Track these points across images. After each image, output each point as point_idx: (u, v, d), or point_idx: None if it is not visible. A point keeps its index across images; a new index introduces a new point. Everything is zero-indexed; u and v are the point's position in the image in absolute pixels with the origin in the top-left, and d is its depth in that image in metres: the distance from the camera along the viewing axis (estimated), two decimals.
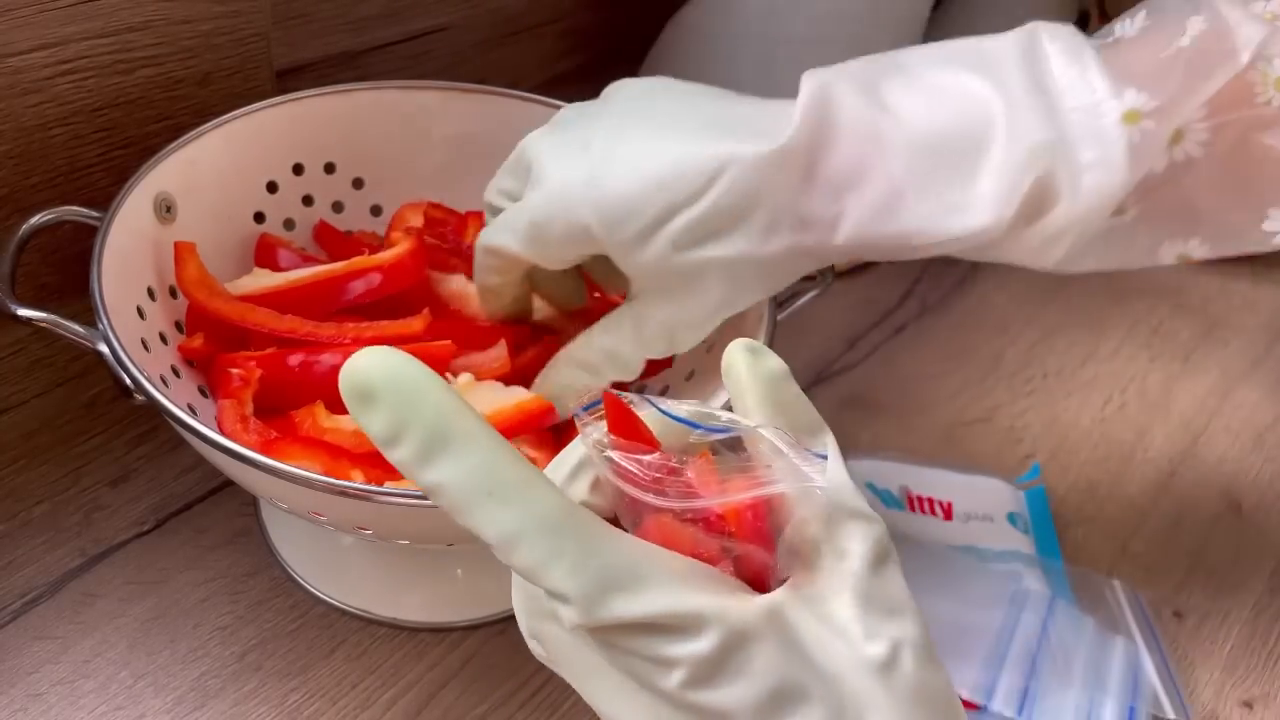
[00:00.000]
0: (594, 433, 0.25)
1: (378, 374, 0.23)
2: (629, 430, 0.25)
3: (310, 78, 0.60)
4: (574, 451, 0.27)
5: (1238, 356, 0.71)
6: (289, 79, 0.59)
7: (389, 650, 0.46)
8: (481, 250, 0.44)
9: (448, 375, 0.45)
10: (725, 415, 0.26)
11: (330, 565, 0.48)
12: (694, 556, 0.24)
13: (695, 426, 0.26)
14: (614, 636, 0.23)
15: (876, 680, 0.23)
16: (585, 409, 0.25)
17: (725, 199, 0.38)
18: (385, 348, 0.23)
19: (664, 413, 0.26)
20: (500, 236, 0.43)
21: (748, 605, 0.24)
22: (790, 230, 0.39)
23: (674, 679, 0.23)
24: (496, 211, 0.45)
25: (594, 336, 0.44)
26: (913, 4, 0.69)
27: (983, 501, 0.56)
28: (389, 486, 0.40)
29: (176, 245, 0.46)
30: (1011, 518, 0.56)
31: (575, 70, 0.78)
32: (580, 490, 0.26)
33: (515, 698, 0.45)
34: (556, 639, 0.25)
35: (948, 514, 0.56)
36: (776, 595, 0.24)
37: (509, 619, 0.48)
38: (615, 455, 0.24)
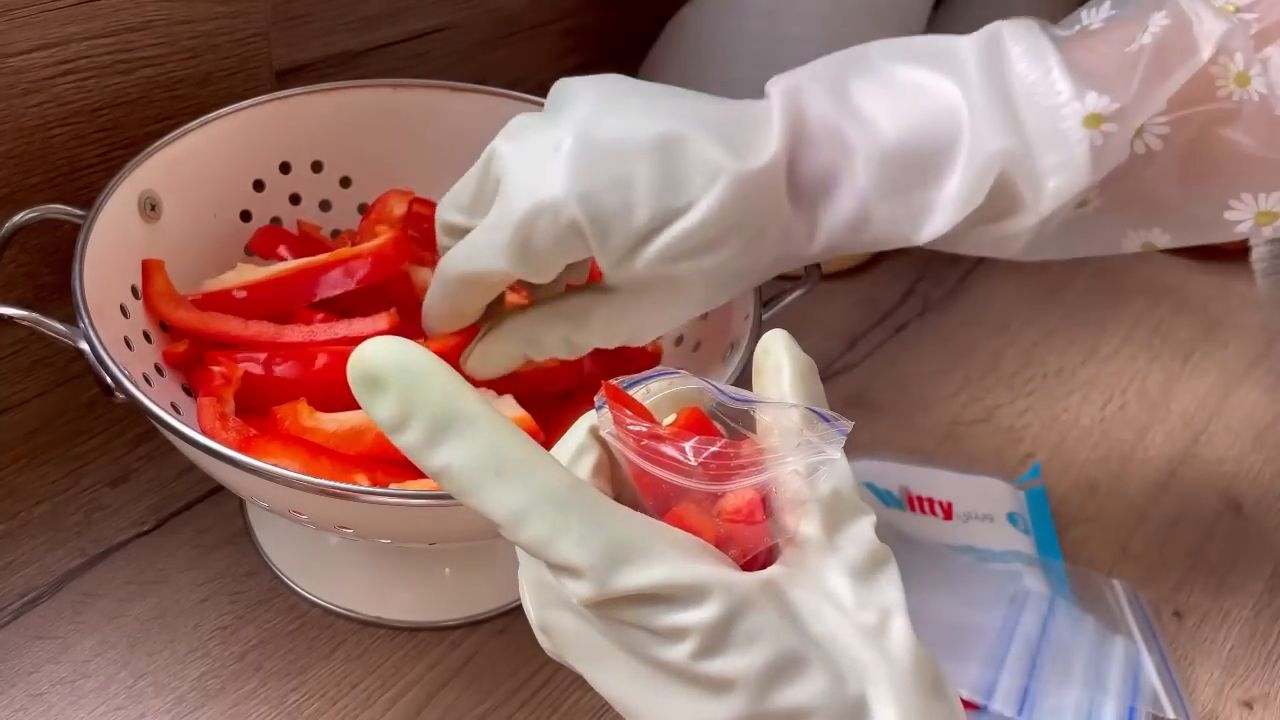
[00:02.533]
0: (606, 419, 0.26)
1: (385, 361, 0.24)
2: (641, 416, 0.26)
3: (310, 78, 0.60)
4: (575, 436, 0.27)
5: (1238, 356, 0.71)
6: (289, 79, 0.59)
7: (389, 650, 0.46)
8: (456, 279, 0.41)
9: None
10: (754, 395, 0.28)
11: (317, 565, 0.48)
12: (699, 536, 0.25)
13: (738, 400, 0.27)
14: (622, 610, 0.24)
15: (872, 648, 0.24)
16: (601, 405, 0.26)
17: (715, 213, 0.37)
18: (392, 337, 0.24)
19: (720, 390, 0.27)
20: (481, 259, 0.40)
21: (746, 576, 0.24)
22: (774, 241, 0.39)
23: (683, 649, 0.23)
24: (455, 231, 0.42)
25: (553, 320, 0.42)
26: (913, 4, 0.69)
27: (983, 501, 0.56)
28: (366, 485, 0.40)
29: (144, 263, 0.46)
30: (1011, 518, 0.56)
31: (575, 70, 0.78)
32: (583, 473, 0.26)
33: (515, 698, 0.45)
34: (565, 627, 0.26)
35: (948, 514, 0.56)
36: (771, 570, 0.25)
37: (506, 618, 0.48)
38: (647, 441, 0.25)
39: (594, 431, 0.27)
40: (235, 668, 0.45)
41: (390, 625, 0.47)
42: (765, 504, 0.26)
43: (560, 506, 0.23)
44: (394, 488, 0.40)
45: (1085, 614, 0.50)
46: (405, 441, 0.24)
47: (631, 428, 0.25)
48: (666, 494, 0.25)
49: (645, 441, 0.25)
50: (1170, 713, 0.47)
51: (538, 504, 0.23)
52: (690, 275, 0.39)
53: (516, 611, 0.48)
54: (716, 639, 0.23)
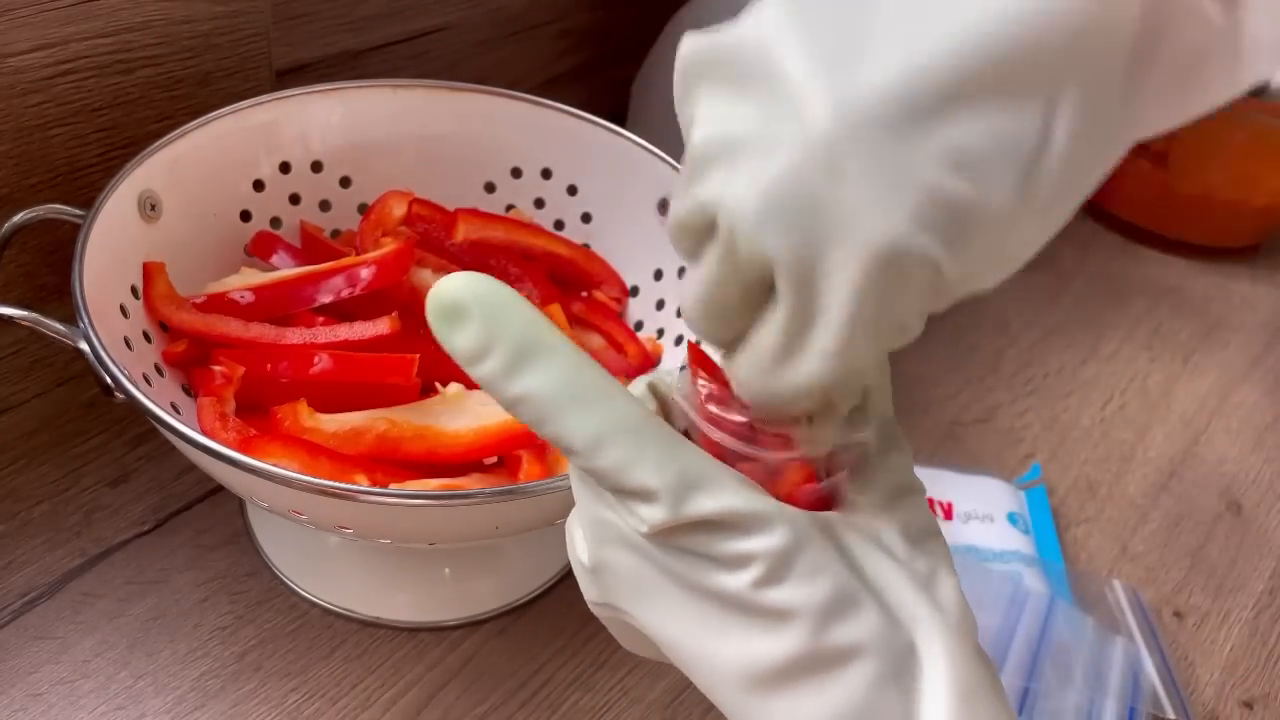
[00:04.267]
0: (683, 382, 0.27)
1: (468, 292, 0.24)
2: (717, 379, 0.27)
3: (310, 78, 0.60)
4: (634, 389, 0.28)
5: (1238, 356, 0.71)
6: (289, 79, 0.58)
7: (389, 650, 0.46)
8: (796, 389, 0.25)
9: (436, 385, 0.45)
10: None
11: (317, 565, 0.48)
12: None
13: None
14: (689, 537, 0.24)
15: (923, 598, 0.25)
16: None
17: None
18: (473, 273, 0.25)
19: None
20: (823, 359, 0.24)
21: (807, 514, 0.25)
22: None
23: (746, 577, 0.24)
24: (696, 250, 0.25)
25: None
26: None
27: (983, 501, 0.56)
28: (366, 485, 0.40)
29: (145, 265, 0.46)
30: (1011, 518, 0.56)
31: (575, 70, 0.78)
32: None
33: (515, 698, 0.45)
34: (621, 563, 0.26)
35: (948, 514, 0.56)
36: (829, 514, 0.26)
37: (506, 618, 0.48)
38: (712, 407, 0.26)
39: (652, 387, 0.28)
40: (235, 668, 0.45)
41: (390, 625, 0.47)
42: (823, 469, 0.27)
43: (637, 434, 0.24)
44: (394, 488, 0.40)
45: (1085, 614, 0.50)
46: (485, 371, 0.24)
47: (702, 388, 0.26)
48: (726, 458, 0.26)
49: (712, 406, 0.26)
50: (1170, 713, 0.47)
51: (615, 430, 0.24)
52: None
53: (517, 611, 0.48)
54: (780, 568, 0.24)
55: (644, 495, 0.24)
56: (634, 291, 0.55)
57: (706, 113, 0.23)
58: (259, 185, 0.52)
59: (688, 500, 0.24)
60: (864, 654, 0.24)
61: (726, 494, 0.24)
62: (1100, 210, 0.84)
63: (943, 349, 0.67)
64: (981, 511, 0.56)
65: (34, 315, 0.40)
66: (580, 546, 0.27)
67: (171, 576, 0.47)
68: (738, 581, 0.24)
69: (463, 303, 0.24)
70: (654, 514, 0.24)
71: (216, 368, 0.44)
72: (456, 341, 0.24)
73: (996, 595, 0.50)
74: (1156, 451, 0.63)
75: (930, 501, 0.56)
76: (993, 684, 0.25)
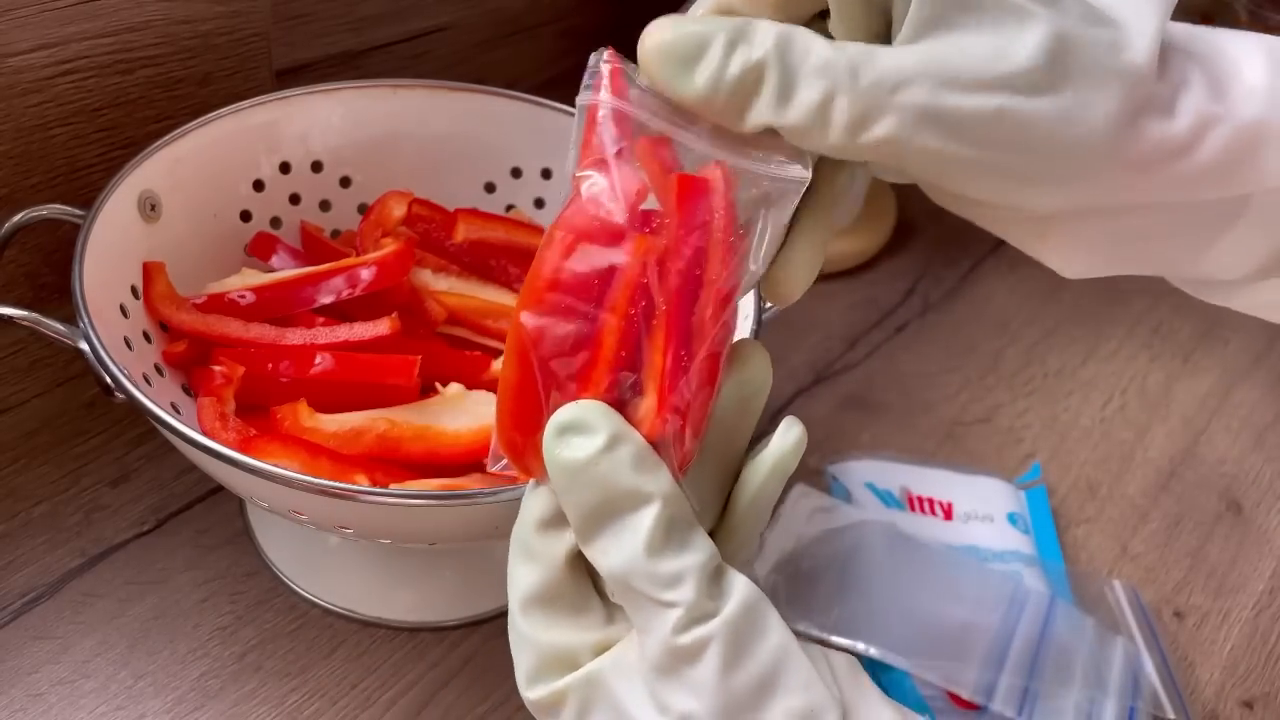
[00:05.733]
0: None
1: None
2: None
3: (310, 78, 0.60)
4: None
5: (1238, 355, 0.71)
6: (289, 79, 0.59)
7: (389, 650, 0.46)
8: None
9: (436, 385, 0.45)
10: None
11: (317, 565, 0.48)
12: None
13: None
14: None
15: None
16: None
17: None
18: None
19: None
20: None
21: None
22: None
23: None
24: None
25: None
26: None
27: (983, 501, 0.56)
28: (366, 485, 0.40)
29: (145, 265, 0.46)
30: (1011, 518, 0.56)
31: (575, 70, 0.78)
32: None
33: (515, 698, 0.45)
34: None
35: (948, 514, 0.56)
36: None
37: (506, 617, 0.48)
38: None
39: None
40: (235, 668, 0.45)
41: (390, 625, 0.47)
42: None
43: None
44: (394, 488, 0.40)
45: (1085, 614, 0.50)
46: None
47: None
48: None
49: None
50: (1170, 713, 0.47)
51: None
52: None
53: None
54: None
55: None
56: None
57: None
58: (259, 185, 0.52)
59: None
60: None
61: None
62: None
63: (943, 349, 0.67)
64: (981, 511, 0.56)
65: (34, 315, 0.40)
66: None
67: (171, 576, 0.47)
68: None
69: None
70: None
71: (216, 368, 0.44)
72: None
73: (996, 595, 0.50)
74: (1157, 451, 0.63)
75: (931, 501, 0.56)
76: None
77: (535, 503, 0.27)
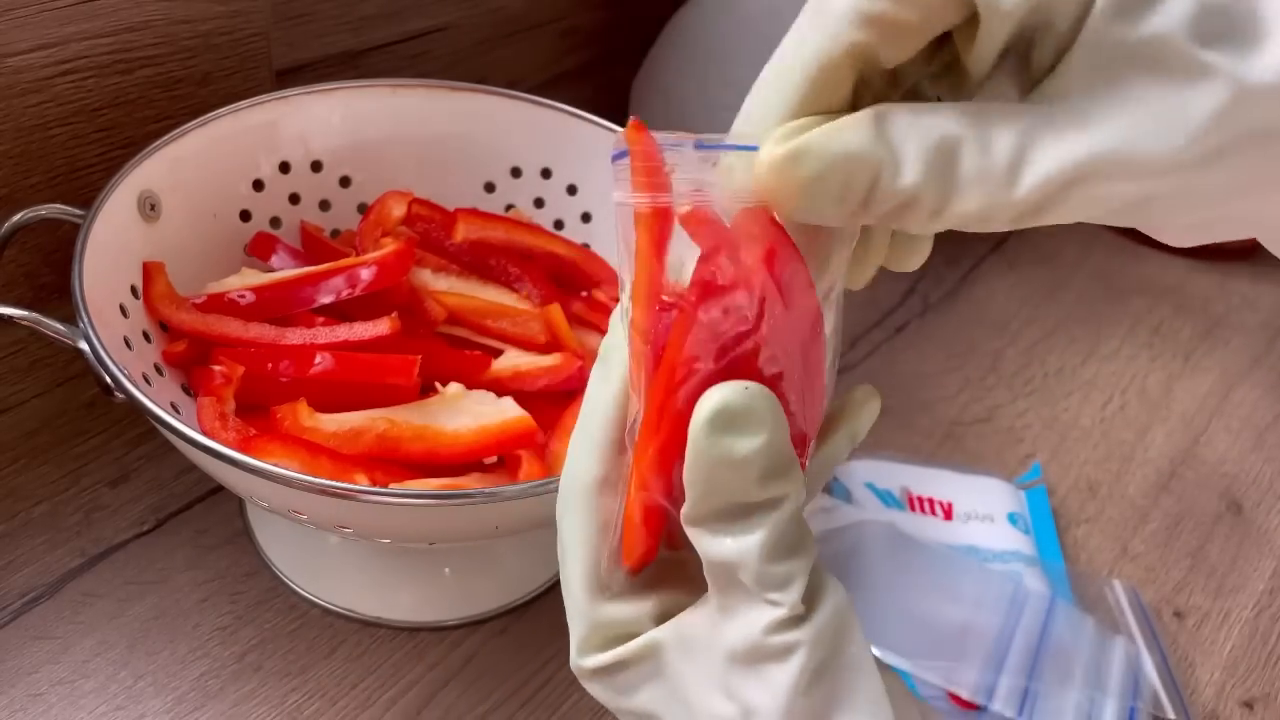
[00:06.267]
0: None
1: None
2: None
3: (310, 78, 0.60)
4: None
5: (1238, 355, 0.71)
6: (289, 79, 0.58)
7: (389, 650, 0.46)
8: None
9: (435, 385, 0.45)
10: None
11: (317, 565, 0.48)
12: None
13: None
14: None
15: None
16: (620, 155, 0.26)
17: None
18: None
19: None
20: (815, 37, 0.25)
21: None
22: None
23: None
24: None
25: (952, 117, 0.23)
26: None
27: (983, 501, 0.56)
28: (366, 485, 0.40)
29: (145, 265, 0.46)
30: (1012, 518, 0.56)
31: (575, 70, 0.78)
32: None
33: (515, 698, 0.45)
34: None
35: (948, 514, 0.56)
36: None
37: (506, 618, 0.48)
38: None
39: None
40: (235, 668, 0.45)
41: (390, 625, 0.47)
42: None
43: None
44: (394, 488, 0.40)
45: (1085, 614, 0.50)
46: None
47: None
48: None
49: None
50: (1170, 713, 0.47)
51: None
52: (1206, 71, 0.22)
53: (517, 611, 0.48)
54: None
55: None
56: None
57: None
58: (259, 185, 0.52)
59: None
60: None
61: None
62: None
63: (943, 349, 0.67)
64: (981, 511, 0.56)
65: (34, 315, 0.40)
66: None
67: (171, 576, 0.47)
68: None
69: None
70: None
71: (216, 367, 0.44)
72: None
73: (996, 595, 0.50)
74: (1157, 451, 0.63)
75: (931, 501, 0.56)
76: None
77: (589, 461, 0.25)
